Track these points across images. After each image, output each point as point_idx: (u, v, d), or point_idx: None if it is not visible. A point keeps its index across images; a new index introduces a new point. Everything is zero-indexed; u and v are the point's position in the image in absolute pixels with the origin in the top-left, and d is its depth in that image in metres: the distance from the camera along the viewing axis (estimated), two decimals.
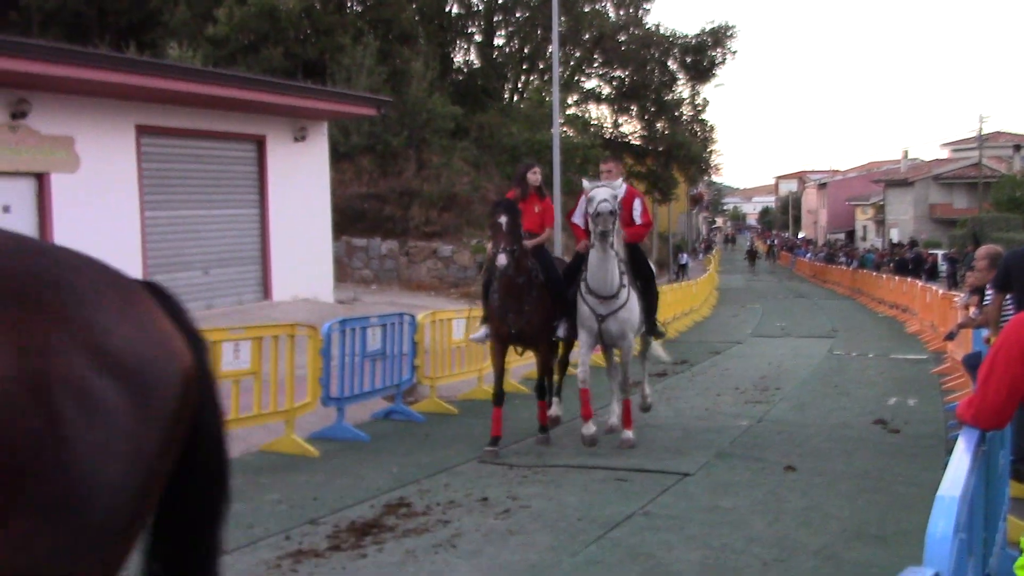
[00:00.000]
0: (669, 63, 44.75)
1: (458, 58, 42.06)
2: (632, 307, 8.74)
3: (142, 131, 14.86)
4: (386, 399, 10.76)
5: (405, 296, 23.31)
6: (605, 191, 8.35)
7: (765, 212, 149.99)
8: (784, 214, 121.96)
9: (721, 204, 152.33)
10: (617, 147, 42.63)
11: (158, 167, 15.36)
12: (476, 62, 41.89)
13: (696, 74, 45.21)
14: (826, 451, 8.84)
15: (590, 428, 8.89)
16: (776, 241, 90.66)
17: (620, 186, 8.69)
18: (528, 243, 8.77)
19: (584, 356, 8.97)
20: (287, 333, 9.18)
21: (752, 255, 66.26)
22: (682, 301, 25.61)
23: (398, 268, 27.73)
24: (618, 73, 44.45)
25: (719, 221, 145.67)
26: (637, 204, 9.09)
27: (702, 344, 19.48)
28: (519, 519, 6.56)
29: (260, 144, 17.49)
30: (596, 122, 44.27)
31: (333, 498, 7.09)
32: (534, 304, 8.66)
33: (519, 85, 41.89)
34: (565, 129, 34.44)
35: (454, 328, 11.57)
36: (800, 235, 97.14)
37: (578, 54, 42.62)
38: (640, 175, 44.77)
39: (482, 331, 9.17)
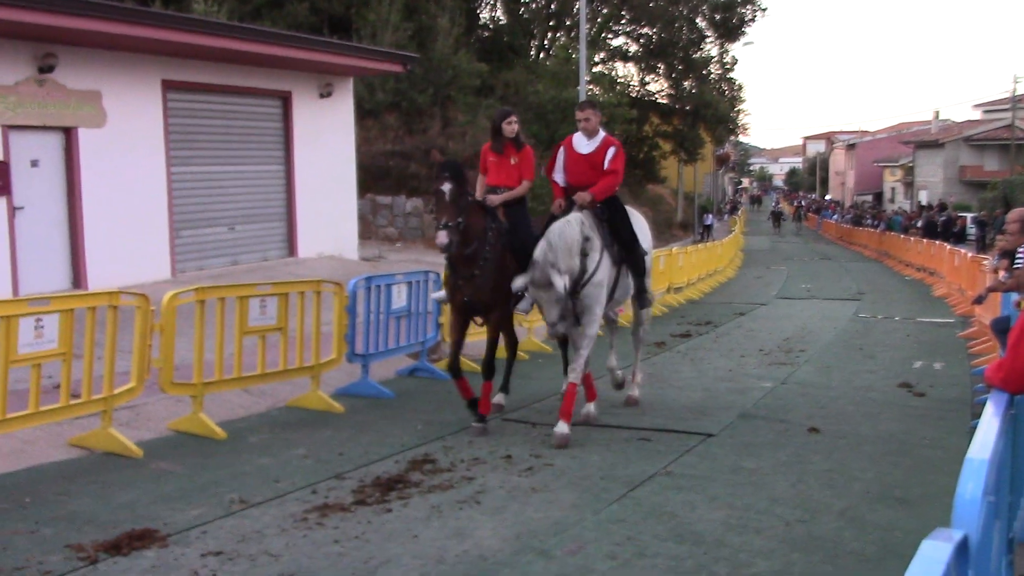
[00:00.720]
0: (698, 20, 44.22)
1: (484, 14, 41.75)
2: (599, 279, 7.74)
3: (168, 86, 14.87)
4: (411, 356, 10.81)
5: (429, 254, 23.29)
6: (565, 233, 7.54)
7: (792, 173, 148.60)
8: (811, 175, 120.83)
9: (748, 165, 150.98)
10: (644, 106, 42.31)
11: (184, 122, 15.38)
12: (502, 18, 41.55)
13: (725, 32, 44.67)
14: (850, 414, 8.82)
15: (563, 428, 7.56)
16: (803, 203, 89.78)
17: (598, 138, 8.15)
18: (496, 198, 8.10)
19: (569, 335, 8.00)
20: (313, 290, 9.22)
21: (776, 217, 64.91)
22: (707, 262, 25.51)
23: (423, 226, 27.70)
24: (646, 30, 43.97)
25: (745, 182, 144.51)
26: (610, 153, 8.11)
27: (727, 305, 19.42)
28: (543, 477, 6.60)
29: (286, 100, 17.47)
30: (623, 80, 43.89)
31: (358, 453, 7.16)
32: (489, 270, 7.75)
33: (545, 42, 41.50)
34: (591, 87, 34.15)
35: None
36: (827, 197, 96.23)
37: (605, 11, 42.15)
38: (666, 134, 44.46)
39: (442, 291, 8.60)
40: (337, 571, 4.87)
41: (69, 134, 13.33)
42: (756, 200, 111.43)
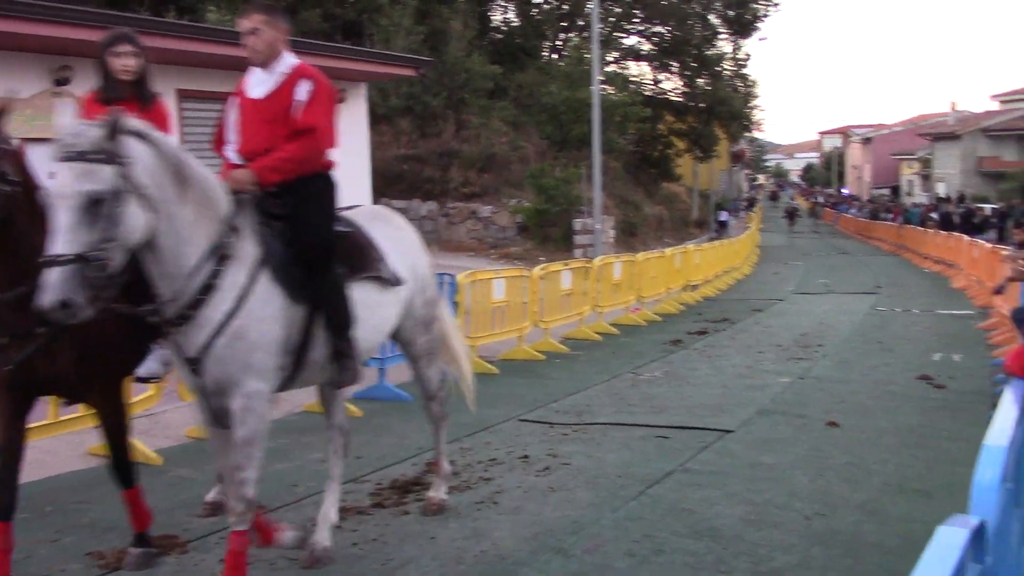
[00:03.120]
0: (711, 17, 44.05)
1: (496, 17, 41.75)
2: (242, 328, 4.24)
3: (183, 95, 14.93)
4: None
5: (445, 257, 23.34)
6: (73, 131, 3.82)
7: (808, 168, 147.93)
8: (828, 170, 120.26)
9: (763, 161, 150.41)
10: (658, 104, 42.18)
11: (200, 131, 15.43)
12: (515, 20, 41.53)
13: (738, 28, 44.45)
14: (869, 407, 8.76)
15: (287, 534, 5.11)
16: (821, 198, 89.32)
17: (280, 68, 4.80)
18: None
19: (211, 440, 4.72)
20: None
21: (791, 214, 63.37)
22: (723, 259, 25.44)
23: (438, 229, 27.75)
24: (658, 29, 43.84)
25: (761, 178, 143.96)
26: (301, 92, 4.76)
27: (743, 302, 19.34)
28: (559, 476, 6.59)
29: None
30: (636, 79, 43.79)
31: (376, 457, 7.17)
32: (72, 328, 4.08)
33: (558, 43, 41.48)
34: (605, 87, 34.08)
35: (494, 288, 11.58)
36: (844, 191, 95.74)
37: (618, 10, 42.05)
38: (681, 132, 44.28)
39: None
40: (356, 573, 4.87)
41: None
42: (773, 196, 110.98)
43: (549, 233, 27.20)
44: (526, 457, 7.11)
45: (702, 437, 7.65)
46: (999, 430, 2.89)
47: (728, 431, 7.83)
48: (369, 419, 8.52)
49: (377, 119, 26.65)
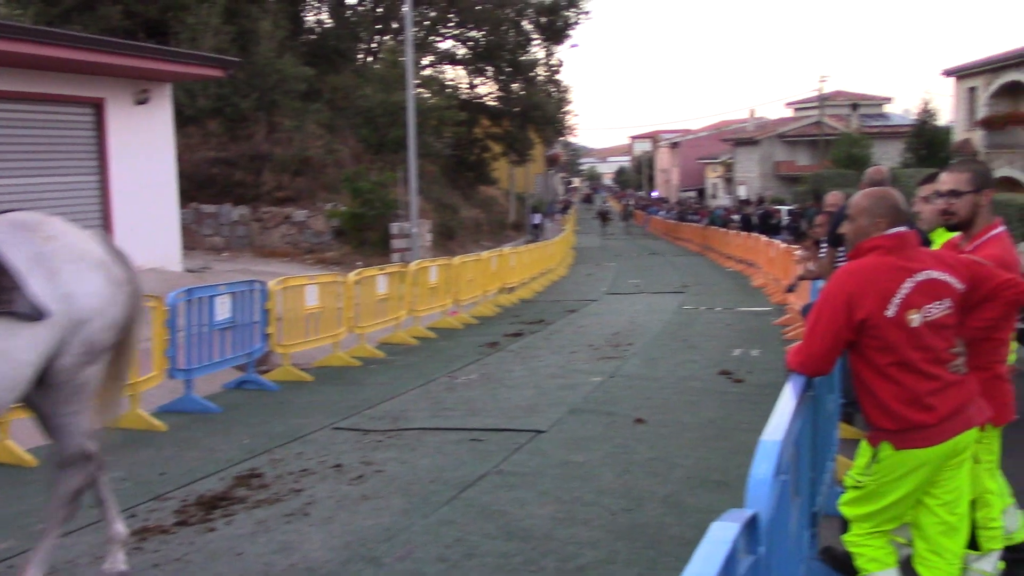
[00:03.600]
0: (524, 23, 44.83)
1: (309, 18, 41.04)
2: None
3: None
4: (238, 369, 10.53)
5: (258, 263, 22.79)
6: None
7: (620, 172, 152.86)
8: (639, 174, 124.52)
9: (578, 165, 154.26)
10: (474, 108, 42.57)
11: None
12: (328, 22, 40.97)
13: (551, 35, 45.44)
14: (674, 403, 9.12)
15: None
16: (632, 201, 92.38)
17: None
18: None
19: None
20: None
21: (603, 216, 65.44)
22: (539, 262, 25.92)
23: (250, 235, 27.08)
24: (473, 33, 44.27)
25: (576, 182, 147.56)
26: None
27: (558, 303, 19.77)
28: (373, 484, 6.54)
29: (98, 108, 16.66)
30: (452, 83, 44.03)
31: (181, 472, 6.91)
32: None
33: (373, 46, 41.22)
34: (420, 90, 34.12)
35: (307, 294, 11.38)
36: (654, 194, 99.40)
37: (433, 14, 42.19)
38: (497, 136, 44.86)
39: None
40: None
41: None
42: (587, 199, 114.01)
43: (366, 237, 26.99)
44: (339, 466, 7.02)
45: (515, 438, 7.75)
46: (775, 425, 3.06)
47: (540, 431, 7.97)
48: (174, 433, 8.20)
49: (185, 121, 25.71)
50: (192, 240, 24.58)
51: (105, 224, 16.79)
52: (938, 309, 3.78)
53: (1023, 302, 4.11)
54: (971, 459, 3.96)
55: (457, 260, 17.36)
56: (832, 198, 9.63)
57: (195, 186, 26.58)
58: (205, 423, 8.60)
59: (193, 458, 7.34)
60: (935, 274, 3.82)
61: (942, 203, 4.42)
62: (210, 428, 8.38)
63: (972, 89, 40.27)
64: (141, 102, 17.40)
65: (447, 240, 32.07)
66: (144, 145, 17.51)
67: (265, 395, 9.93)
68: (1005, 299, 4.00)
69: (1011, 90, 37.33)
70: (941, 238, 4.98)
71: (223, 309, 9.75)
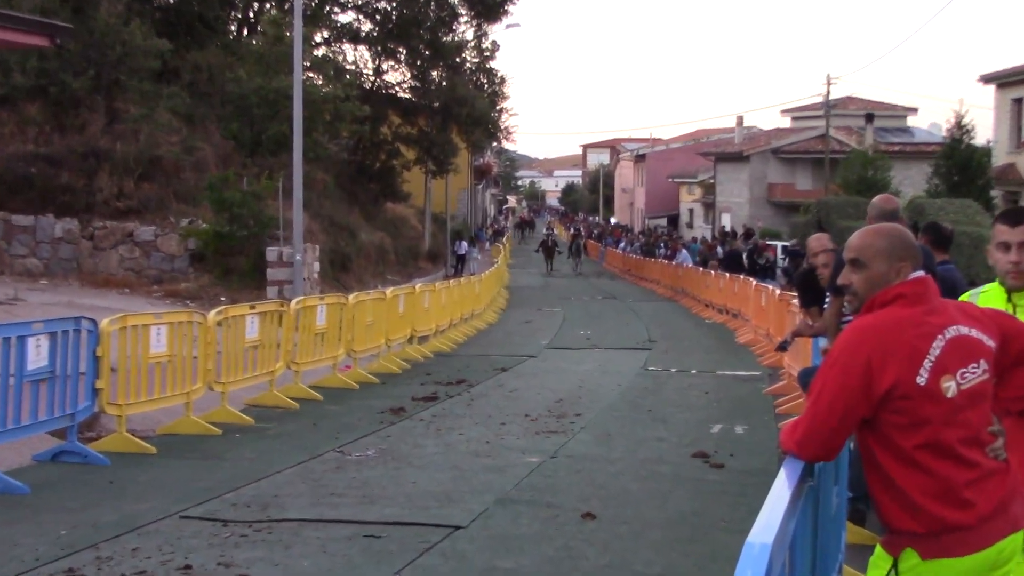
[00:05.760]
0: None
1: None
2: None
3: None
4: (55, 435, 10.34)
5: (88, 295, 22.45)
6: None
7: (569, 190, 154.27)
8: (593, 193, 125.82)
9: (515, 179, 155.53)
10: (380, 101, 42.73)
11: None
12: None
13: (483, 10, 45.77)
14: (634, 493, 9.15)
15: None
16: (583, 228, 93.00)
17: None
18: None
19: None
20: None
21: (548, 249, 59.45)
22: (461, 303, 25.92)
23: (79, 256, 26.71)
24: (382, 5, 44.53)
25: (512, 200, 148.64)
26: None
27: (485, 358, 19.79)
28: None
29: None
30: (352, 67, 44.16)
31: None
32: None
33: (251, 15, 41.17)
34: (311, 75, 34.13)
35: (152, 338, 11.23)
36: (612, 220, 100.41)
37: None
38: (410, 138, 45.00)
39: None
40: None
41: None
42: (526, 224, 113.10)
43: (233, 264, 26.80)
44: (188, 567, 6.91)
45: (425, 535, 7.71)
46: (764, 524, 3.08)
47: (458, 527, 7.93)
48: None
49: None
50: None
51: None
52: (974, 374, 3.74)
53: None
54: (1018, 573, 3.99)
55: (353, 298, 17.29)
56: (816, 243, 9.51)
57: (5, 190, 26.18)
58: (7, 508, 8.41)
59: None
60: (964, 329, 3.79)
61: None
62: (14, 514, 8.19)
63: (1018, 100, 41.39)
64: None
65: (341, 272, 31.99)
66: None
67: (91, 470, 9.74)
68: None
69: None
70: None
71: (37, 355, 9.58)
